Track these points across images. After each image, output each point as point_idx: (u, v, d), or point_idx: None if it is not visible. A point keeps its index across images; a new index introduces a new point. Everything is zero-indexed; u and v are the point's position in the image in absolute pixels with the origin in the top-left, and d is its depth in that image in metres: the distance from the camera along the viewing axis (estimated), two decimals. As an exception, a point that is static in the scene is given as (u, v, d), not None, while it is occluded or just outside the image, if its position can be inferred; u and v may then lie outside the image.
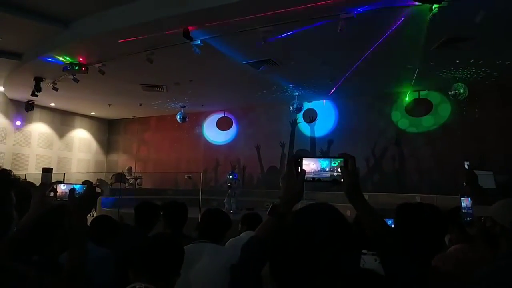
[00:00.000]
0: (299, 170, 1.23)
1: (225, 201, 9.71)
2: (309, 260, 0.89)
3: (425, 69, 8.31)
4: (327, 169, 1.23)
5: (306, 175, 1.23)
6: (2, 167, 1.35)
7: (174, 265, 1.70)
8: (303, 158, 1.24)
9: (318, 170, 1.23)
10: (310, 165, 1.24)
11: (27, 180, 9.39)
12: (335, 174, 1.21)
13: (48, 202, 1.70)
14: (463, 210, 2.14)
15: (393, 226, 2.22)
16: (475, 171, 2.43)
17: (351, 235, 0.96)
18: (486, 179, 2.58)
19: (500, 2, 5.30)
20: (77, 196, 1.54)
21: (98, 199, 3.67)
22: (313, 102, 11.75)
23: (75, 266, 1.44)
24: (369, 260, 2.21)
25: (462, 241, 2.23)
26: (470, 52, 7.19)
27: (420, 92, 10.23)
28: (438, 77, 8.87)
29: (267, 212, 1.22)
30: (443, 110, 10.16)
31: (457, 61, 7.84)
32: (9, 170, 1.35)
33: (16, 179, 1.39)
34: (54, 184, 1.76)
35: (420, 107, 10.31)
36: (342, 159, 1.21)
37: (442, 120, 10.18)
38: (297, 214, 1.01)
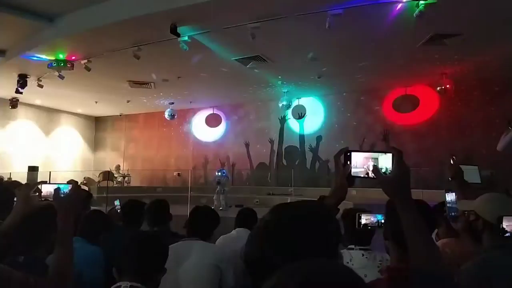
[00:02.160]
0: (348, 163, 1.15)
1: (214, 198, 9.70)
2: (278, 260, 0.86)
3: (412, 65, 8.41)
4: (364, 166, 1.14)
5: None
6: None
7: (156, 262, 1.68)
8: (352, 152, 1.16)
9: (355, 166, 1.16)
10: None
11: (12, 179, 9.23)
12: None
13: (32, 203, 1.67)
14: (447, 205, 2.17)
15: (383, 222, 2.24)
16: (460, 166, 2.47)
17: (329, 242, 0.91)
18: (472, 174, 2.62)
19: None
20: (62, 196, 1.52)
21: (89, 199, 3.63)
22: (302, 98, 11.79)
23: (62, 267, 1.43)
24: (356, 255, 2.23)
25: (449, 235, 2.26)
26: (456, 49, 7.28)
27: (407, 88, 10.35)
28: (425, 72, 8.97)
29: None
30: (430, 106, 10.30)
31: (444, 58, 7.95)
32: (-8, 170, 1.32)
33: (-1, 178, 1.36)
34: (39, 184, 1.73)
35: (407, 103, 10.43)
36: (389, 154, 1.09)
37: (429, 116, 10.32)
38: (271, 212, 0.98)
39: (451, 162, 2.50)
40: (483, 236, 1.72)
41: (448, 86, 8.89)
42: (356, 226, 2.18)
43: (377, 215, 2.19)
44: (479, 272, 1.56)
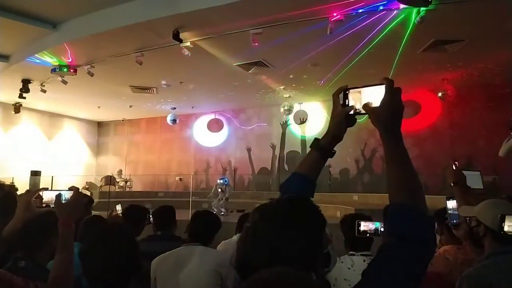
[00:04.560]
0: (346, 103, 1.10)
1: (213, 203, 9.66)
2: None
3: (413, 71, 8.42)
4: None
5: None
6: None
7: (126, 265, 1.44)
8: (350, 89, 1.10)
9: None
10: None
11: (15, 183, 9.25)
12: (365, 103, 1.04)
13: (33, 209, 1.68)
14: (449, 212, 2.16)
15: (381, 230, 2.24)
16: (463, 171, 2.46)
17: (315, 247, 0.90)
18: (474, 179, 2.60)
19: (487, 5, 5.39)
20: (63, 202, 1.53)
21: (90, 204, 3.63)
22: (304, 103, 11.80)
23: (62, 272, 1.43)
24: (358, 261, 2.22)
25: (451, 243, 2.26)
26: (458, 54, 7.29)
27: (409, 93, 10.35)
28: (426, 78, 8.98)
29: (310, 145, 1.19)
30: (431, 111, 10.30)
31: (445, 63, 7.96)
32: (-6, 175, 1.33)
33: (0, 184, 1.37)
34: (40, 191, 1.74)
35: (409, 108, 10.43)
36: (375, 87, 1.03)
37: (430, 121, 10.31)
38: (251, 215, 0.95)
39: (453, 167, 2.49)
40: (485, 242, 1.72)
41: (449, 91, 8.89)
42: (356, 234, 2.18)
43: (376, 222, 2.19)
44: (480, 279, 1.55)
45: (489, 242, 1.69)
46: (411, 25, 5.92)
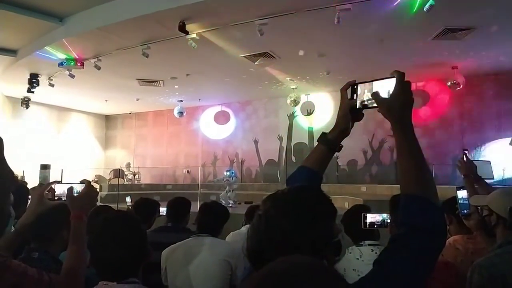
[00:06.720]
0: (354, 97, 1.11)
1: (221, 195, 9.70)
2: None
3: (423, 60, 8.31)
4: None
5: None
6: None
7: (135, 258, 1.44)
8: (359, 84, 1.10)
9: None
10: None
11: (25, 177, 9.37)
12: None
13: (46, 202, 1.70)
14: (459, 202, 2.14)
15: (388, 221, 2.23)
16: (473, 161, 2.44)
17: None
18: (485, 169, 2.59)
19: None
20: (75, 195, 1.54)
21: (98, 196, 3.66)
22: (311, 94, 11.73)
23: (75, 264, 1.45)
24: (366, 251, 2.22)
25: (461, 233, 2.24)
26: (467, 42, 7.17)
27: (417, 82, 10.23)
28: (435, 67, 8.86)
29: (317, 139, 1.21)
30: (441, 101, 10.18)
31: (455, 51, 7.83)
32: (6, 168, 1.34)
33: (14, 177, 1.38)
34: (52, 184, 1.76)
35: (418, 98, 10.32)
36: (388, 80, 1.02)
37: (440, 111, 10.20)
38: (262, 204, 0.97)
39: (464, 158, 2.47)
40: (497, 231, 1.70)
41: (459, 80, 8.77)
42: (362, 226, 2.18)
43: (382, 214, 2.19)
44: (492, 268, 1.54)
45: (501, 231, 1.67)
46: (420, 14, 5.81)
